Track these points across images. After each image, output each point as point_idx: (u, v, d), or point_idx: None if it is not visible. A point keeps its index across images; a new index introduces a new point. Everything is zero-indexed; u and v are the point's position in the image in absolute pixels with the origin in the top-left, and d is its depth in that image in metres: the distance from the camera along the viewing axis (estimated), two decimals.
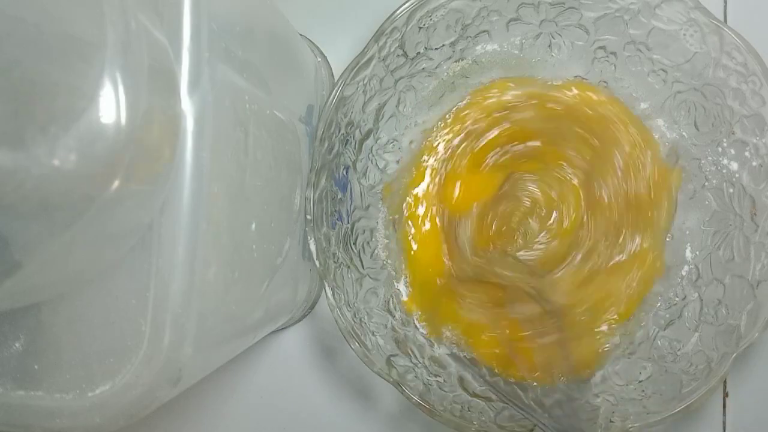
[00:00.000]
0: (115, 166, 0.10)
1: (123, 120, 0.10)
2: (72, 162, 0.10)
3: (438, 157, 0.22)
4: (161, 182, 0.12)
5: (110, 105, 0.10)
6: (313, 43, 0.24)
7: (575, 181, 0.21)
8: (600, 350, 0.20)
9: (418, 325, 0.21)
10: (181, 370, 0.12)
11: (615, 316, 0.20)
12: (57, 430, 0.12)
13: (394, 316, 0.21)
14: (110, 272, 0.12)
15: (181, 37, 0.12)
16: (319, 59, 0.24)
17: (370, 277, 0.21)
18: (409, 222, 0.22)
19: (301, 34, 0.23)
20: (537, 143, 0.21)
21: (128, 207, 0.11)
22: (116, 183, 0.10)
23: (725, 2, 0.23)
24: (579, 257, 0.20)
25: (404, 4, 0.20)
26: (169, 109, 0.12)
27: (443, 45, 0.21)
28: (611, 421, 0.19)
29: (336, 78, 0.24)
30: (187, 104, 0.12)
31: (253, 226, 0.16)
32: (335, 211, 0.21)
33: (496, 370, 0.20)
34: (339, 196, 0.21)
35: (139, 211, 0.12)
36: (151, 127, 0.11)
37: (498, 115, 0.21)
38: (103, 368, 0.12)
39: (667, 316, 0.20)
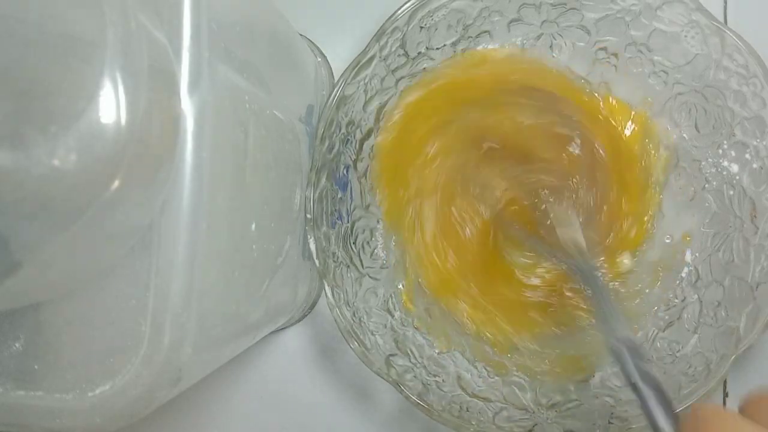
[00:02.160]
0: (115, 166, 0.10)
1: (123, 120, 0.10)
2: (72, 162, 0.10)
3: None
4: (161, 182, 0.12)
5: (110, 105, 0.10)
6: (313, 43, 0.24)
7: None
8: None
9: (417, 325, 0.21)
10: (181, 370, 0.12)
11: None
12: (57, 430, 0.12)
13: (393, 316, 0.21)
14: (110, 272, 0.12)
15: (181, 37, 0.12)
16: (319, 59, 0.24)
17: (370, 277, 0.21)
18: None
19: (301, 34, 0.23)
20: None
21: (128, 207, 0.11)
22: (116, 183, 0.10)
23: (725, 5, 0.23)
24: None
25: (406, 3, 0.20)
26: (169, 109, 0.12)
27: (444, 45, 0.21)
28: (610, 423, 0.19)
29: (336, 78, 0.24)
30: (187, 104, 0.12)
31: (253, 225, 0.16)
32: (335, 210, 0.21)
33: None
34: (339, 196, 0.21)
35: (139, 211, 0.12)
36: (151, 127, 0.11)
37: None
38: (103, 368, 0.12)
39: (667, 317, 0.20)
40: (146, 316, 0.12)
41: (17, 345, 0.12)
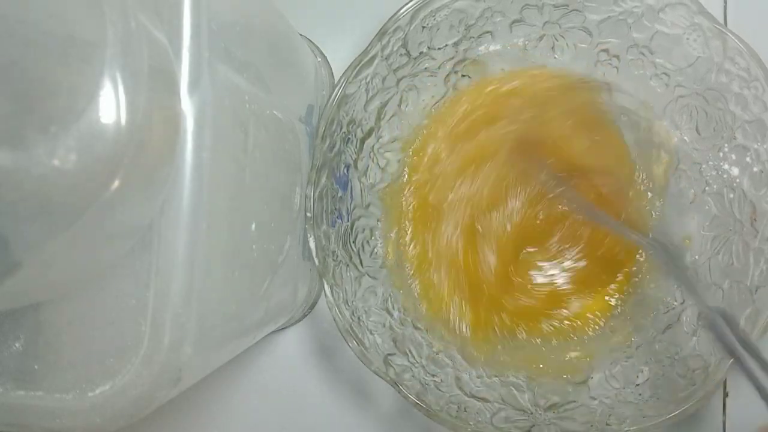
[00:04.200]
0: (115, 166, 0.10)
1: (123, 120, 0.10)
2: (72, 162, 0.10)
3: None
4: (161, 182, 0.12)
5: (110, 105, 0.10)
6: (313, 43, 0.24)
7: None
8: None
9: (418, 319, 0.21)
10: (181, 370, 0.12)
11: None
12: (57, 430, 0.12)
13: (392, 315, 0.21)
14: (110, 272, 0.12)
15: (181, 37, 0.12)
16: (319, 59, 0.24)
17: (369, 276, 0.21)
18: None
19: (301, 34, 0.23)
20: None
21: (128, 207, 0.11)
22: (116, 183, 0.10)
23: (725, 6, 0.23)
24: None
25: (408, 3, 0.20)
26: (169, 109, 0.12)
27: (446, 45, 0.21)
28: (608, 424, 0.19)
29: (336, 78, 0.24)
30: (187, 104, 0.12)
31: (253, 225, 0.16)
32: (335, 209, 0.21)
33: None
34: (339, 195, 0.21)
35: (139, 211, 0.12)
36: (151, 127, 0.11)
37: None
38: (103, 368, 0.12)
39: (666, 320, 0.20)
40: (146, 316, 0.12)
41: (17, 345, 0.12)
